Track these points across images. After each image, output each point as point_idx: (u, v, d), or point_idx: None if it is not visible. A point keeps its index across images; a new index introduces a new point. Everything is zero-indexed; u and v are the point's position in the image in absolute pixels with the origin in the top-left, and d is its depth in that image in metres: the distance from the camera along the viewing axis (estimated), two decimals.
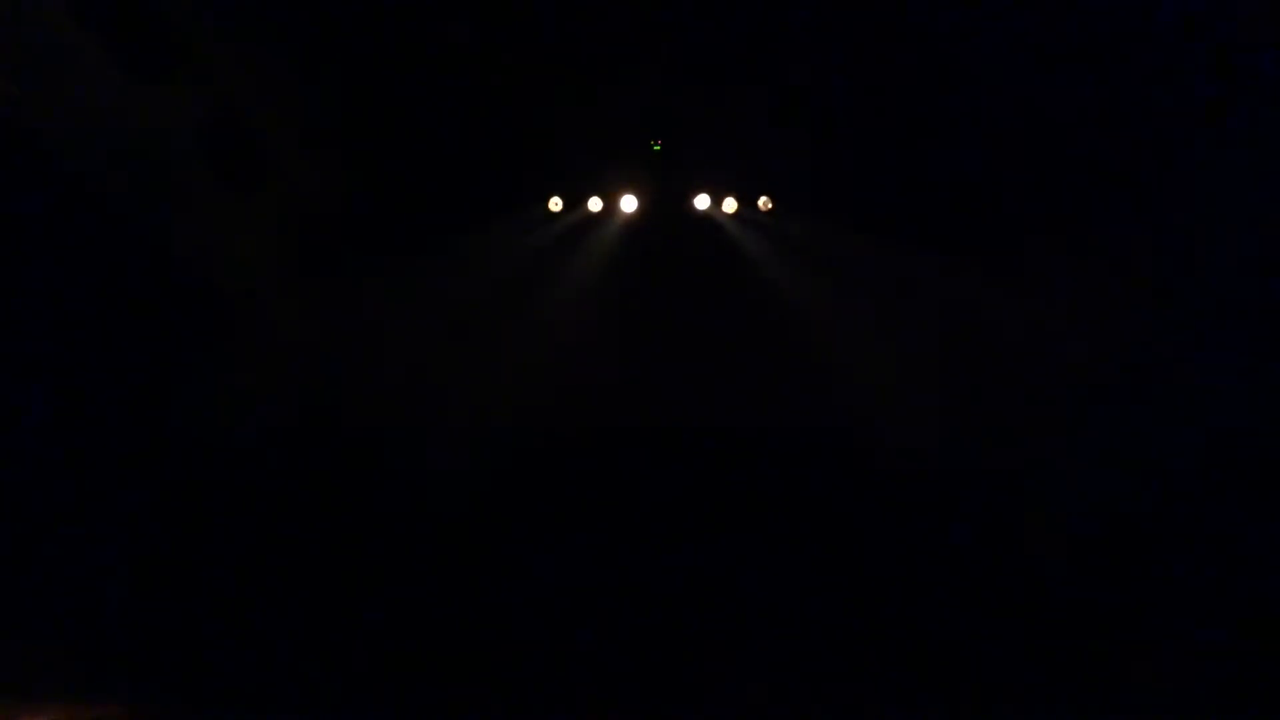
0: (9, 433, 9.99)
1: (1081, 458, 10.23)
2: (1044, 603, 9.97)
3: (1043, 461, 10.25)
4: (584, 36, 9.70)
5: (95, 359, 10.19)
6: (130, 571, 10.11)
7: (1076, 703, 7.93)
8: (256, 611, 9.97)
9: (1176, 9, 8.96)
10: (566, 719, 7.76)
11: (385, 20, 9.49)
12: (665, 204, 10.78)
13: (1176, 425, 9.99)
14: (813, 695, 8.30)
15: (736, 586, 10.50)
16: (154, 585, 10.09)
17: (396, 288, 10.63)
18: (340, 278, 10.54)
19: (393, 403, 10.69)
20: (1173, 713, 7.73)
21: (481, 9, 9.56)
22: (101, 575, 10.03)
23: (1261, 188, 9.41)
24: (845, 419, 10.76)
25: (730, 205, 10.75)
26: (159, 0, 8.82)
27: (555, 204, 10.78)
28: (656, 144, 10.62)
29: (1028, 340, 10.27)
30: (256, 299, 10.52)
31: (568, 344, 10.86)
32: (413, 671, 9.07)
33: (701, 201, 10.75)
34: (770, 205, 10.77)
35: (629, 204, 10.69)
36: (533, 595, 10.42)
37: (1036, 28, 9.14)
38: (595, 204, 10.75)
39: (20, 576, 9.82)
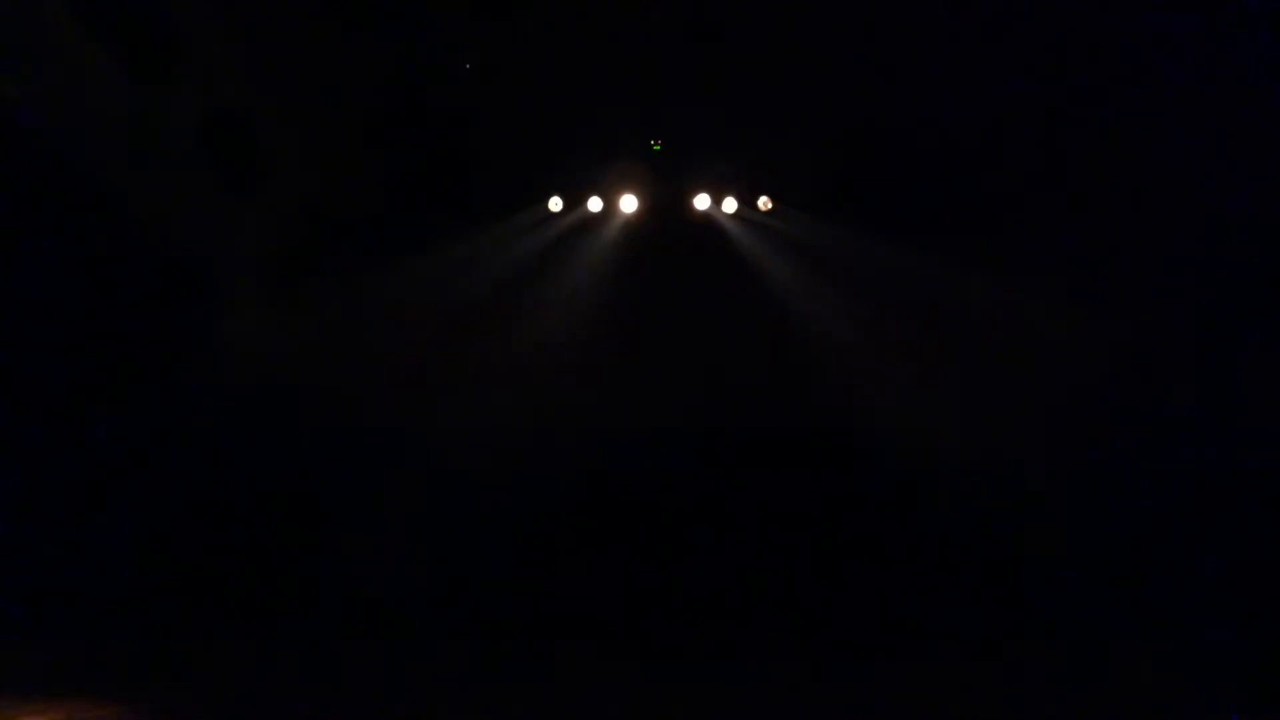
0: (8, 431, 10.00)
1: (1083, 456, 10.23)
2: (1045, 601, 9.99)
3: (1045, 459, 10.25)
4: (584, 37, 9.71)
5: (93, 357, 10.20)
6: (129, 571, 10.12)
7: (1077, 702, 7.93)
8: (256, 610, 9.99)
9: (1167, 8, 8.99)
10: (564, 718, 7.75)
11: (384, 20, 9.50)
12: (665, 204, 10.78)
13: (1179, 423, 10.00)
14: (811, 695, 8.29)
15: (736, 586, 10.51)
16: (153, 585, 10.10)
17: (397, 287, 10.64)
18: (340, 277, 10.55)
19: (392, 402, 10.70)
20: (1173, 713, 7.72)
21: (481, 9, 9.57)
22: (100, 575, 10.04)
23: (1258, 181, 9.43)
24: (845, 418, 10.75)
25: (730, 205, 10.75)
26: (159, 0, 8.84)
27: (555, 204, 10.78)
28: (656, 144, 10.63)
29: (1029, 339, 10.27)
30: (256, 298, 10.53)
31: (568, 344, 10.85)
32: (411, 670, 9.06)
33: (701, 201, 10.75)
34: (770, 205, 10.77)
35: (629, 204, 10.69)
36: (530, 595, 10.42)
37: (1035, 27, 9.16)
38: (595, 204, 10.75)
39: (19, 576, 9.84)
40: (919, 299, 10.61)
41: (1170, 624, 9.55)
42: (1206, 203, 9.71)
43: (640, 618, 10.28)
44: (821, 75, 9.81)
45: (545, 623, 10.20)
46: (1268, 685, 8.03)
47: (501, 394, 10.72)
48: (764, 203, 10.78)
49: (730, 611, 10.36)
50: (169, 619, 9.88)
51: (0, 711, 7.16)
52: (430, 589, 10.29)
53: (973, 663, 9.25)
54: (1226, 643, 9.14)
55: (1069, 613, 9.90)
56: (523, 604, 10.36)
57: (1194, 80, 9.22)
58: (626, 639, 9.95)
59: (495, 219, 10.80)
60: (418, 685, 8.52)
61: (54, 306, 10.04)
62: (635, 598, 10.44)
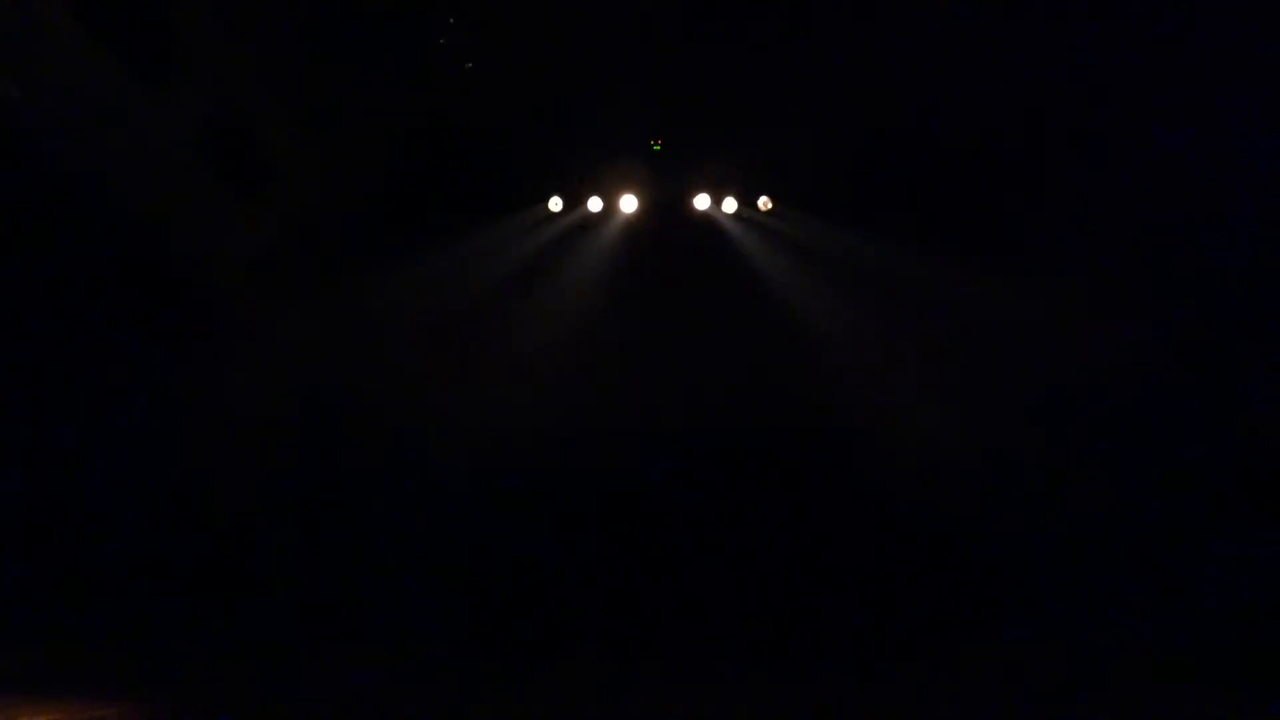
0: (8, 430, 10.00)
1: (1084, 456, 10.23)
2: (1048, 600, 10.00)
3: (1047, 460, 10.25)
4: (585, 37, 9.70)
5: (92, 357, 10.20)
6: (130, 570, 10.12)
7: (1079, 702, 7.93)
8: (256, 610, 9.99)
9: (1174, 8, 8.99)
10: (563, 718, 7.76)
11: (385, 20, 9.50)
12: (665, 204, 10.78)
13: (1181, 424, 10.00)
14: (809, 695, 8.30)
15: (735, 586, 10.51)
16: (153, 584, 10.10)
17: (397, 287, 10.65)
18: (341, 278, 10.55)
19: (392, 402, 10.70)
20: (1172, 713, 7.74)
21: (482, 9, 9.57)
22: (101, 574, 10.04)
23: (1262, 182, 9.44)
24: (844, 418, 10.75)
25: (730, 205, 10.75)
26: (159, 0, 8.84)
27: (555, 204, 10.78)
28: (656, 144, 10.63)
29: (1029, 339, 10.27)
30: (256, 298, 10.53)
31: (568, 344, 10.85)
32: (413, 670, 9.07)
33: (701, 201, 10.75)
34: (770, 205, 10.77)
35: (629, 204, 10.70)
36: (531, 595, 10.42)
37: (1038, 27, 9.16)
38: (595, 204, 10.76)
39: (20, 575, 9.84)
40: (920, 299, 10.60)
41: (1172, 624, 9.55)
42: (1209, 204, 9.71)
43: (643, 619, 10.28)
44: (822, 75, 9.80)
45: (546, 623, 10.21)
46: (1267, 685, 8.04)
47: (501, 394, 10.72)
48: (764, 203, 10.78)
49: (733, 613, 10.36)
50: (169, 619, 9.88)
51: (0, 711, 7.16)
52: (429, 588, 10.29)
53: (972, 663, 9.25)
54: (1227, 642, 9.14)
55: (1069, 612, 9.91)
56: (523, 605, 10.35)
57: (1197, 81, 9.21)
58: (630, 641, 9.95)
59: (495, 219, 10.80)
60: (417, 685, 8.53)
61: (52, 306, 10.04)
62: (638, 597, 10.43)
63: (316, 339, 10.54)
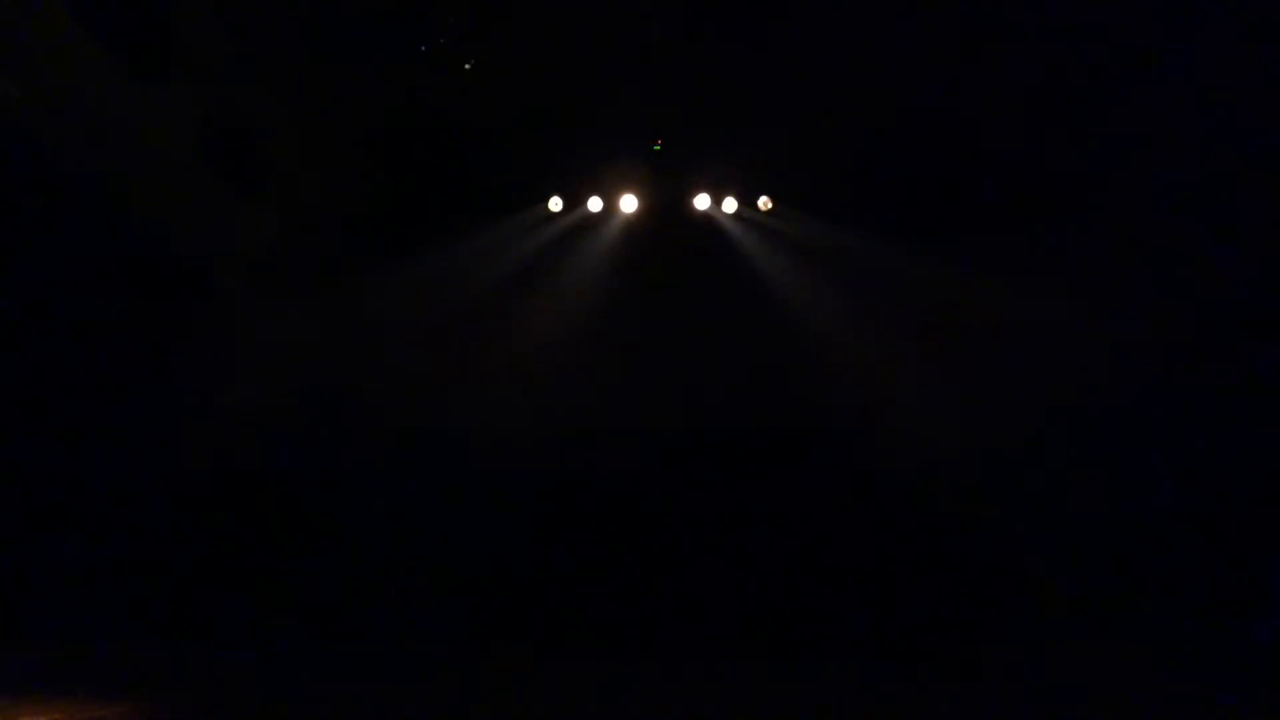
0: (9, 431, 10.00)
1: (1084, 456, 10.23)
2: (1045, 602, 9.99)
3: (1044, 460, 10.25)
4: (584, 37, 9.70)
5: (91, 358, 10.20)
6: (130, 571, 10.12)
7: (1076, 702, 7.93)
8: (256, 610, 9.99)
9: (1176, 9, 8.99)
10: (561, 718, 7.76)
11: (385, 20, 9.50)
12: (665, 204, 10.78)
13: (1181, 424, 10.00)
14: (809, 695, 8.29)
15: (735, 586, 10.50)
16: (154, 584, 10.10)
17: (397, 287, 10.64)
18: (341, 277, 10.55)
19: (392, 402, 10.70)
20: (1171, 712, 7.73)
21: (482, 9, 9.58)
22: (101, 574, 10.04)
23: (1262, 181, 9.44)
24: (844, 419, 10.75)
25: (730, 205, 10.75)
26: (159, 0, 8.85)
27: (555, 204, 10.78)
28: (656, 144, 10.62)
29: (1029, 339, 10.26)
30: (256, 299, 10.53)
31: (568, 344, 10.85)
32: (413, 668, 9.07)
33: (701, 201, 10.75)
34: (770, 205, 10.77)
35: (629, 204, 10.70)
36: (531, 595, 10.42)
37: (1039, 25, 9.16)
38: (595, 204, 10.76)
39: (20, 576, 9.84)
40: (920, 298, 10.60)
41: (1172, 624, 9.55)
42: (1209, 204, 9.70)
43: (643, 619, 10.27)
44: (822, 75, 9.79)
45: (546, 623, 10.21)
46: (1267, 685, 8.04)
47: (501, 394, 10.72)
48: (764, 203, 10.78)
49: (732, 612, 10.36)
50: (169, 619, 9.88)
51: (0, 711, 7.16)
52: (429, 588, 10.28)
53: (973, 663, 9.25)
54: (1227, 643, 9.15)
55: (1069, 612, 9.91)
56: (523, 605, 10.35)
57: (1198, 80, 9.21)
58: (630, 640, 9.95)
59: (495, 219, 10.80)
60: (417, 685, 8.53)
61: (52, 306, 10.05)
62: (638, 597, 10.43)
63: (316, 339, 10.53)
